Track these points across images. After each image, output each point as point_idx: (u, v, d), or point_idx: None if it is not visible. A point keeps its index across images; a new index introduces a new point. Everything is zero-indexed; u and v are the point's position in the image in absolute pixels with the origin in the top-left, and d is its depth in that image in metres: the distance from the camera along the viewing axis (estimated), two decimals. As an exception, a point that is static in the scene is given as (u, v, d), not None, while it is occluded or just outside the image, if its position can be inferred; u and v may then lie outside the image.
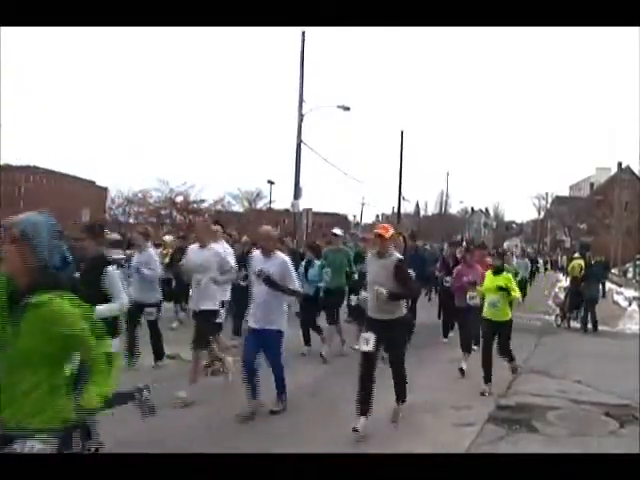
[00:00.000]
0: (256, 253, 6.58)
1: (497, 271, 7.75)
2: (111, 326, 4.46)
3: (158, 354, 8.10)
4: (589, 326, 13.96)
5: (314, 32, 35.19)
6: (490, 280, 7.71)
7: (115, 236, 9.28)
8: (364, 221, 63.51)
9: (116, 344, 4.84)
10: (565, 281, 22.14)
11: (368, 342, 5.83)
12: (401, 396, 6.17)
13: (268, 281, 6.06)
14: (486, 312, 7.64)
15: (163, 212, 42.55)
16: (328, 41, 78.94)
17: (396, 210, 41.37)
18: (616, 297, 21.19)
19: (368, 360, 5.80)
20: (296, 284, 6.36)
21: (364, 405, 5.71)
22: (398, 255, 6.11)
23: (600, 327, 14.21)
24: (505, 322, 7.57)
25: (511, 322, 7.67)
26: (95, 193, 67.81)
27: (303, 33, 22.26)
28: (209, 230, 7.28)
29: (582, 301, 14.48)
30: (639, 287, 24.66)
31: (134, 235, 8.70)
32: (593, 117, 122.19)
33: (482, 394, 7.33)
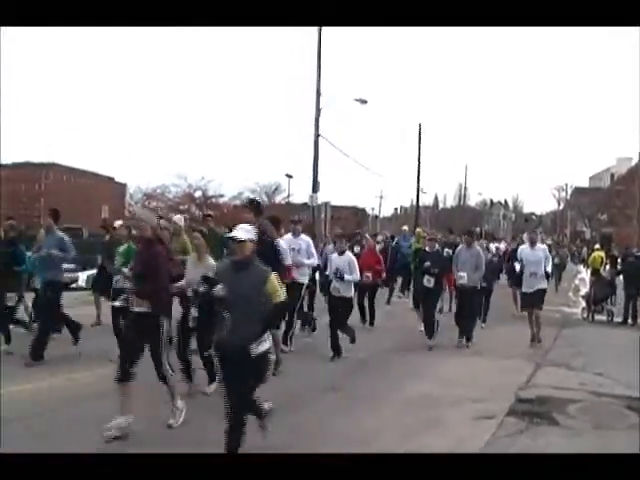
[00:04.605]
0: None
1: None
2: None
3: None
4: (629, 320, 13.59)
5: (331, 27, 35.07)
6: None
7: None
8: (382, 214, 63.37)
9: None
10: (585, 273, 21.90)
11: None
12: None
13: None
14: None
15: (182, 207, 42.73)
16: (345, 35, 78.30)
17: (414, 203, 41.25)
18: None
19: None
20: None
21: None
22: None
23: (619, 319, 13.99)
24: None
25: None
26: (114, 189, 68.41)
27: (320, 28, 22.26)
28: None
29: (607, 296, 14.26)
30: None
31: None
32: (614, 106, 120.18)
33: None
